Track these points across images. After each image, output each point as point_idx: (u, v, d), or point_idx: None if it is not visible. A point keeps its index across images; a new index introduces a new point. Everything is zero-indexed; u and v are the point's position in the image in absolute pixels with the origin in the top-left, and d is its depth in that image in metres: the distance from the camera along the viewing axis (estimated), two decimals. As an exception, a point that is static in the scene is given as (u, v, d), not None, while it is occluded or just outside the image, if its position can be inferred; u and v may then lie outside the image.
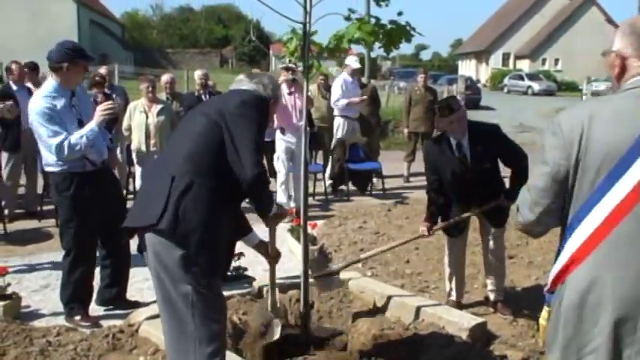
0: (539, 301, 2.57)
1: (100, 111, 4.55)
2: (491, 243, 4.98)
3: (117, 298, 5.12)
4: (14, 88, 7.79)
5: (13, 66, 7.88)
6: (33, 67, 8.70)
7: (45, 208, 8.02)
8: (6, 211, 7.55)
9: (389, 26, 4.14)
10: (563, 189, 2.25)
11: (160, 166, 3.14)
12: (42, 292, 5.40)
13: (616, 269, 2.14)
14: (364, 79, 14.15)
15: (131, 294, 5.35)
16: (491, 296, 5.11)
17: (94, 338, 4.17)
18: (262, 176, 3.04)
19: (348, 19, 4.09)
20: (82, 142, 4.43)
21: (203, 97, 8.21)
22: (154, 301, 4.07)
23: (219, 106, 3.16)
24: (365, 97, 10.12)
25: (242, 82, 3.36)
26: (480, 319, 4.52)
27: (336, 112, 9.88)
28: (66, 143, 4.39)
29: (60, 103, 4.48)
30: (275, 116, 3.96)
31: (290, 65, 7.55)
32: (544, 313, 2.43)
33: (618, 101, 2.21)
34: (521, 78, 44.89)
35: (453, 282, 5.12)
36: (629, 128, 2.12)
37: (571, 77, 46.66)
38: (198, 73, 8.71)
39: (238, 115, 3.05)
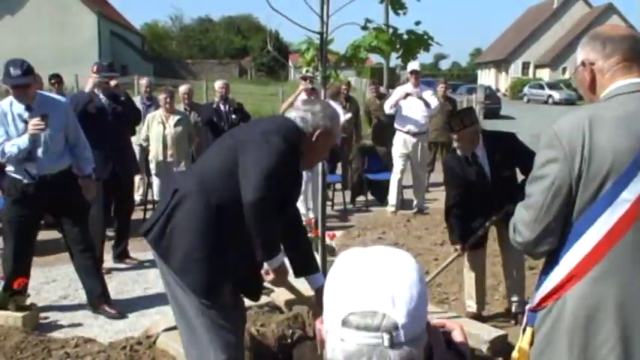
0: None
1: (32, 126, 4.69)
2: (511, 253, 4.91)
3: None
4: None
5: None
6: (58, 79, 8.80)
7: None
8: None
9: (406, 36, 4.12)
10: (564, 205, 2.10)
11: (177, 179, 3.14)
12: (61, 303, 5.42)
13: (621, 285, 2.03)
14: (382, 89, 14.09)
15: (149, 304, 5.37)
16: (513, 308, 5.02)
17: (112, 350, 4.16)
18: (263, 204, 2.69)
19: (364, 28, 4.08)
20: (11, 150, 4.74)
21: (222, 107, 8.21)
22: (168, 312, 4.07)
23: (249, 131, 3.05)
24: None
25: (293, 109, 3.14)
26: (501, 332, 4.44)
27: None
28: (1, 147, 4.74)
29: (13, 112, 4.78)
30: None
31: (308, 74, 7.54)
32: (527, 335, 2.23)
33: (615, 105, 2.08)
34: (541, 87, 44.56)
35: (474, 293, 5.04)
36: (631, 135, 2.02)
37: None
38: (218, 84, 8.71)
39: (259, 141, 2.83)
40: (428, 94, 9.29)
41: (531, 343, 2.21)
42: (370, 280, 1.16)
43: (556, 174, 2.09)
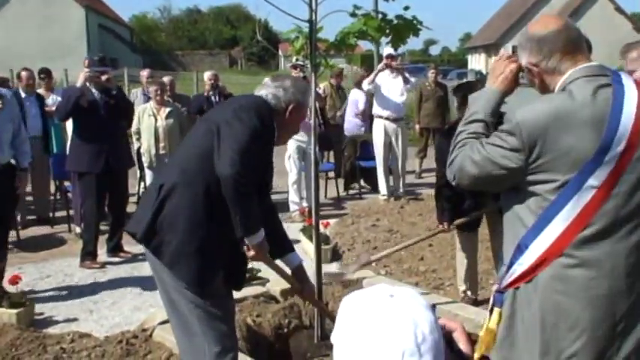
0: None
1: None
2: (500, 238, 4.88)
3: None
4: (23, 95, 7.80)
5: (23, 73, 7.88)
6: (47, 74, 8.72)
7: (57, 214, 8.03)
8: (18, 218, 7.55)
9: (395, 21, 4.10)
10: (504, 181, 2.20)
11: (161, 173, 3.12)
12: (55, 298, 5.39)
13: (591, 267, 2.09)
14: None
15: (144, 298, 5.37)
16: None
17: (108, 344, 4.15)
18: (237, 178, 2.72)
19: (353, 15, 4.06)
20: None
21: (213, 98, 8.18)
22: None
23: (222, 112, 3.05)
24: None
25: (265, 86, 3.17)
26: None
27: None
28: None
29: None
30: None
31: (298, 63, 7.50)
32: (495, 316, 2.27)
33: (577, 91, 2.11)
34: (531, 70, 44.48)
35: (467, 278, 5.04)
36: (595, 124, 2.06)
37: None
38: (207, 74, 8.69)
39: (232, 118, 2.86)
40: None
41: (497, 324, 2.27)
42: (391, 333, 1.10)
43: (507, 160, 2.15)
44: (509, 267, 2.24)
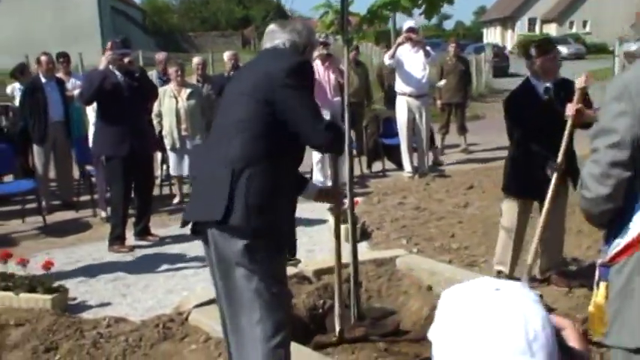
0: (594, 272, 2.39)
1: None
2: (555, 209, 4.64)
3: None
4: (43, 80, 7.76)
5: (42, 58, 7.83)
6: (65, 58, 8.70)
7: (81, 198, 8.02)
8: (43, 204, 7.55)
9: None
10: (635, 158, 2.05)
11: (214, 155, 2.98)
12: (87, 283, 5.37)
13: None
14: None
15: (176, 281, 5.34)
16: (546, 268, 4.91)
17: (144, 328, 4.12)
18: (333, 134, 2.95)
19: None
20: None
21: (234, 77, 8.09)
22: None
23: (257, 80, 2.93)
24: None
25: (275, 34, 3.10)
26: (536, 292, 4.35)
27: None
28: None
29: None
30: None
31: (323, 40, 7.36)
32: (601, 290, 2.21)
33: None
34: (549, 43, 43.85)
35: (508, 254, 4.88)
36: None
37: (601, 39, 45.52)
38: (227, 54, 8.60)
39: (288, 87, 2.84)
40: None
41: (606, 298, 2.21)
42: (499, 330, 1.02)
43: (624, 128, 2.03)
44: (610, 240, 2.17)
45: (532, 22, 58.19)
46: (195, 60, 9.18)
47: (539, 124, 4.53)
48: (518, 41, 52.47)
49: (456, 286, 1.12)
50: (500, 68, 28.25)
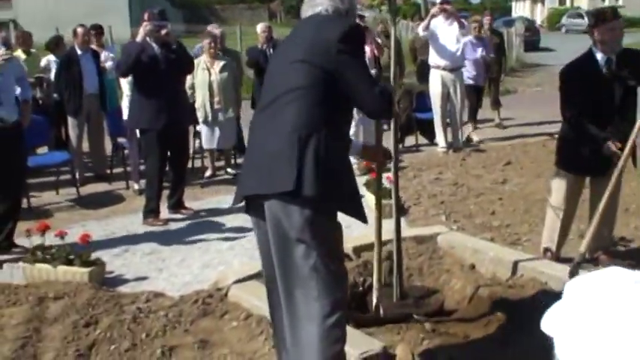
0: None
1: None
2: (610, 186, 4.41)
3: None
4: (79, 52, 7.70)
5: (79, 29, 7.76)
6: (98, 30, 8.64)
7: (115, 171, 7.99)
8: (77, 175, 7.53)
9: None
10: None
11: (270, 126, 2.85)
12: (123, 256, 5.33)
13: None
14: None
15: (211, 255, 5.28)
16: (595, 248, 4.73)
17: (183, 304, 4.05)
18: (387, 99, 2.93)
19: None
20: None
21: (267, 51, 7.94)
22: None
23: (310, 46, 2.83)
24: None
25: (320, 2, 3.00)
26: (586, 272, 4.21)
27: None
28: None
29: None
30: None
31: (360, 13, 7.18)
32: None
33: None
34: (580, 16, 42.95)
35: (555, 234, 4.71)
36: None
37: (633, 13, 44.39)
38: (260, 27, 8.46)
39: (344, 52, 2.78)
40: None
41: None
42: None
43: None
44: None
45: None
46: (215, 31, 9.06)
47: (597, 99, 4.34)
48: (548, 15, 51.43)
49: (583, 277, 1.00)
50: (531, 42, 27.80)
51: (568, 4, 55.22)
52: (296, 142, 2.69)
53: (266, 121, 2.88)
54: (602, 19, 4.37)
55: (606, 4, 50.77)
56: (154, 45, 5.93)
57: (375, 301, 3.90)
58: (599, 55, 4.40)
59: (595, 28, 4.38)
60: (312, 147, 2.69)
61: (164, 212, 6.36)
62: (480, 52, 9.85)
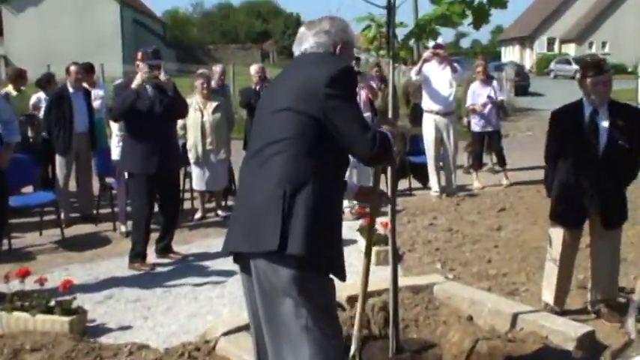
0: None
1: None
2: (606, 241, 4.45)
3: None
4: (71, 90, 7.60)
5: (72, 68, 7.67)
6: (89, 68, 8.58)
7: (101, 211, 7.81)
8: (62, 216, 7.34)
9: (476, 1, 3.71)
10: None
11: (256, 178, 2.71)
12: (106, 303, 5.11)
13: None
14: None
15: (199, 304, 5.08)
16: (596, 300, 4.58)
17: (168, 357, 3.84)
18: (378, 147, 2.64)
19: (436, 2, 3.68)
20: None
21: (261, 91, 7.89)
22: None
23: (295, 92, 2.69)
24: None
25: (303, 37, 2.90)
26: (587, 328, 4.06)
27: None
28: None
29: None
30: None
31: (355, 55, 7.14)
32: None
33: None
34: (568, 62, 43.68)
35: (554, 287, 4.57)
36: None
37: (619, 60, 45.07)
38: (254, 68, 8.44)
39: (334, 97, 2.60)
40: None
41: None
42: None
43: None
44: None
45: (551, 42, 57.99)
46: (217, 69, 9.16)
47: (579, 148, 4.31)
48: (536, 60, 52.06)
49: None
50: (521, 87, 28.07)
51: (556, 50, 56.10)
52: (281, 197, 2.53)
53: (253, 172, 2.72)
54: (589, 73, 4.32)
55: (593, 50, 51.59)
56: (149, 88, 5.82)
57: (352, 350, 3.67)
58: (586, 105, 4.39)
59: (582, 80, 4.37)
60: (298, 202, 2.54)
61: (151, 256, 6.17)
62: (487, 93, 9.68)
